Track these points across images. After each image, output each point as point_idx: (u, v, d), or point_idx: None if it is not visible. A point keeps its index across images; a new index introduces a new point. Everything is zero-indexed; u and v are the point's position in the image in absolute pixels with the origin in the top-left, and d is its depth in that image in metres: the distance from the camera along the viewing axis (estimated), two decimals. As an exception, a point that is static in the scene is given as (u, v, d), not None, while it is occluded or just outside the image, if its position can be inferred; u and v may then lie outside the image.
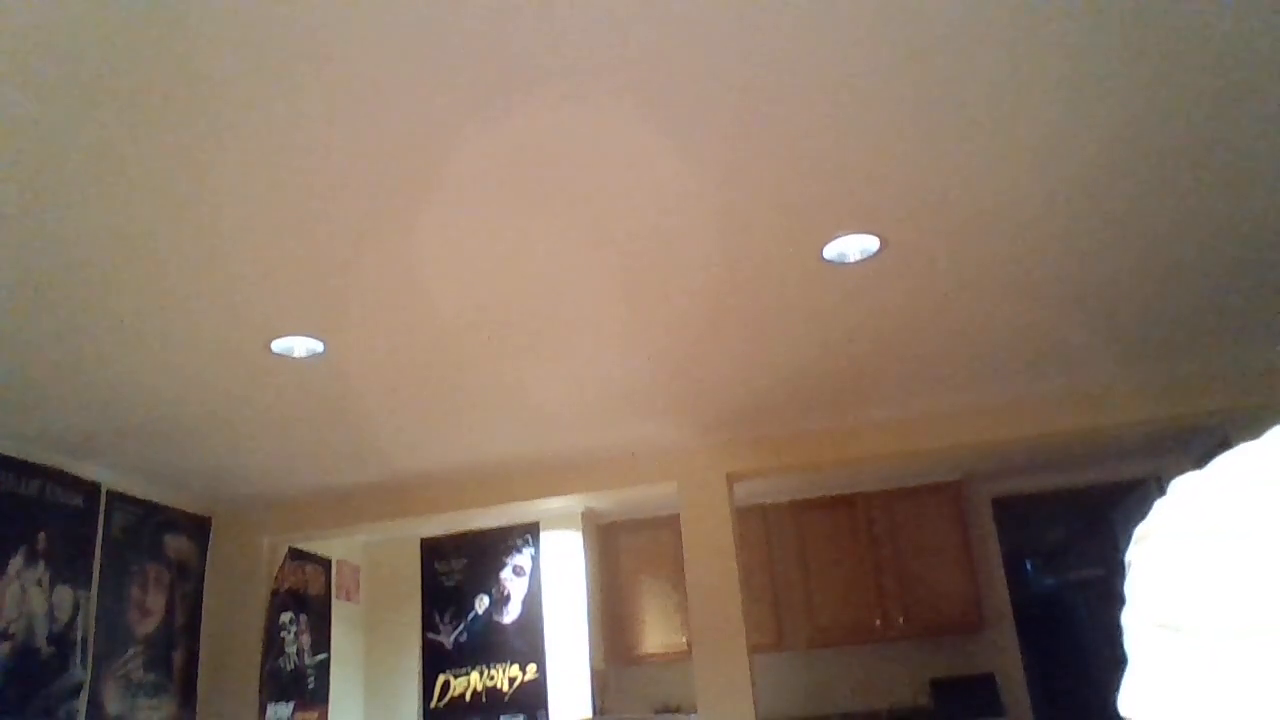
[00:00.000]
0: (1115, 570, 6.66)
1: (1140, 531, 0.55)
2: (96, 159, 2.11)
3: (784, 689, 5.95)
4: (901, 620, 5.65)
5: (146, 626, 4.46)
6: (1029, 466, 5.90)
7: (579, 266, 2.82)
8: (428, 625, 5.86)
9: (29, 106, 1.92)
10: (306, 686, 5.30)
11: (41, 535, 3.88)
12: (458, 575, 5.89)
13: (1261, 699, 0.45)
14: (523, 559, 5.79)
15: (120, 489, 4.38)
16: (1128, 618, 0.54)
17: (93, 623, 4.10)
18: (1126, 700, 0.52)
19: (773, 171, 2.39)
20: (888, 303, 3.25)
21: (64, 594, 3.96)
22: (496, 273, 2.81)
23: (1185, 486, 0.54)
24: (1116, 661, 0.55)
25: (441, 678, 5.74)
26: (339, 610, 5.76)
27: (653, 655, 5.83)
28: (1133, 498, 6.23)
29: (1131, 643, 0.53)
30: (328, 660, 5.54)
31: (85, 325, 2.90)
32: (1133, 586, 0.54)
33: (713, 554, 4.62)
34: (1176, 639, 0.49)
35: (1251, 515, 0.49)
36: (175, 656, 4.64)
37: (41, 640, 3.81)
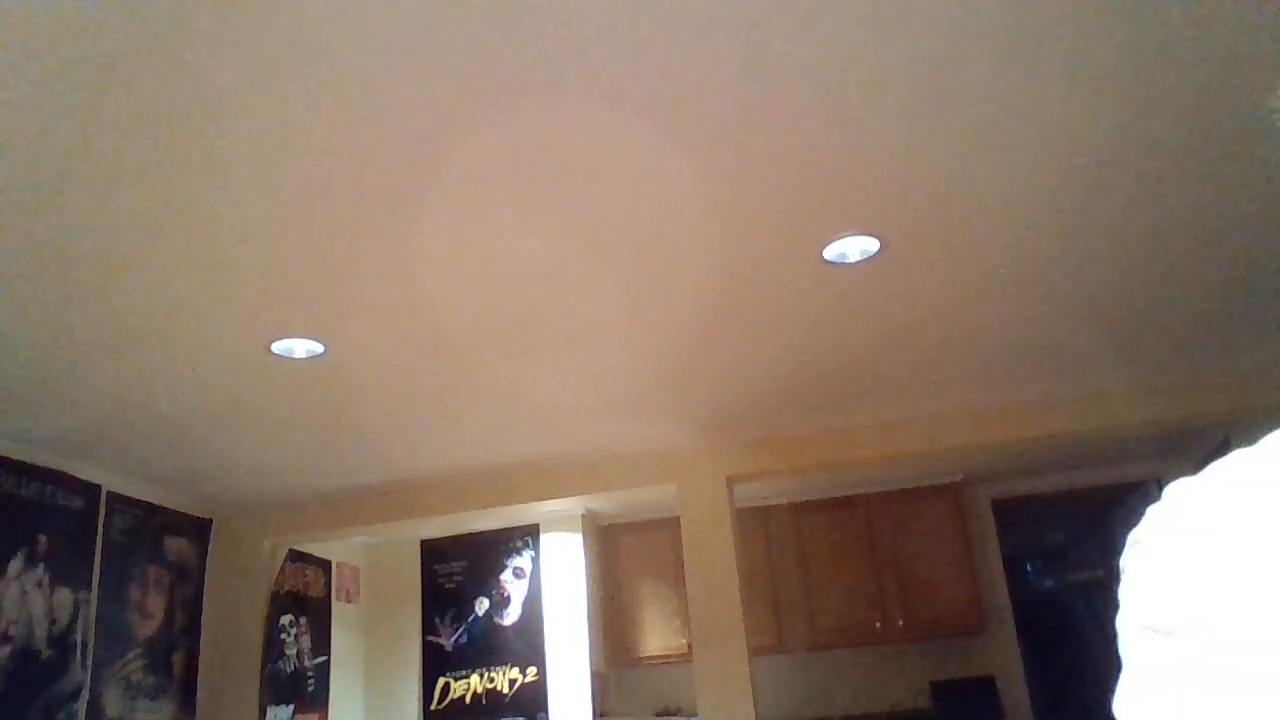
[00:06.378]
0: (1115, 573, 6.65)
1: (1133, 536, 0.56)
2: (96, 159, 2.11)
3: (784, 691, 5.94)
4: (901, 622, 5.65)
5: (147, 629, 4.46)
6: (1029, 468, 5.90)
7: (579, 267, 2.82)
8: (428, 627, 5.85)
9: (29, 107, 1.92)
10: (306, 689, 5.29)
11: (42, 537, 3.88)
12: (458, 577, 5.89)
13: (1252, 700, 0.45)
14: (523, 561, 5.79)
15: (121, 491, 4.37)
16: (1121, 622, 0.54)
17: (93, 625, 4.10)
18: (1120, 705, 0.52)
19: (773, 172, 2.39)
20: (888, 303, 3.25)
21: (64, 596, 3.96)
22: (497, 274, 2.81)
23: (1178, 490, 0.54)
24: (1116, 664, 0.55)
25: (441, 680, 5.73)
26: (339, 612, 5.76)
27: (653, 657, 5.82)
28: (1133, 500, 6.22)
29: (1125, 647, 0.53)
30: (328, 662, 5.53)
31: (85, 325, 2.90)
32: (1125, 590, 0.54)
33: (713, 556, 4.62)
34: (1167, 642, 0.49)
35: (1243, 513, 0.49)
36: (175, 659, 4.64)
37: (41, 642, 3.81)
